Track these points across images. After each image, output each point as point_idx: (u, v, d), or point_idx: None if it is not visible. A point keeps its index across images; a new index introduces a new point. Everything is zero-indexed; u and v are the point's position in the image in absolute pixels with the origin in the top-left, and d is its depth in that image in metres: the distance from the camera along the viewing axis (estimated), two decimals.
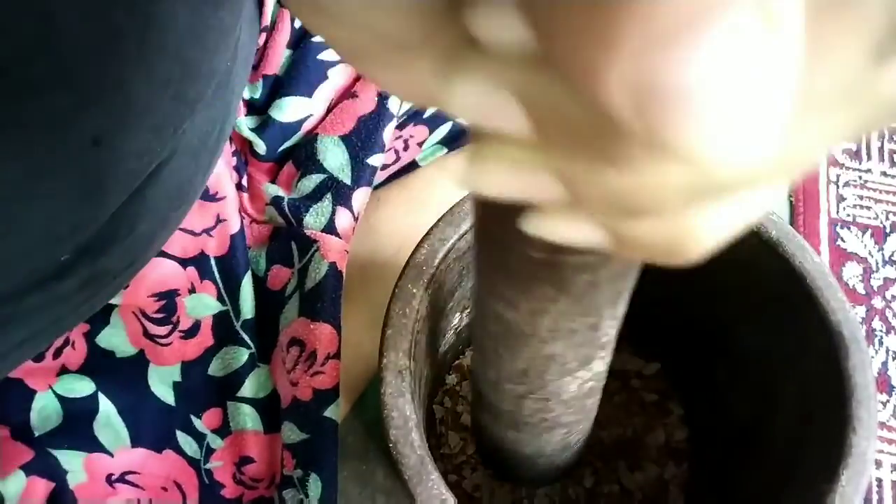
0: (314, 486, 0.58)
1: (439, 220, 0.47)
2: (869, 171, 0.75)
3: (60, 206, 0.42)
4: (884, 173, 0.75)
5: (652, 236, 0.17)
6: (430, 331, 0.49)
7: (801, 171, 0.16)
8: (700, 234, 0.17)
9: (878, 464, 0.65)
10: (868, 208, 0.74)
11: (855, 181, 0.75)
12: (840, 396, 0.42)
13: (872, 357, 0.68)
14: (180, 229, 0.63)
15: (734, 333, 0.53)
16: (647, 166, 0.15)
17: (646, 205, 0.16)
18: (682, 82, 0.12)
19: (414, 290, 0.45)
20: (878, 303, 0.70)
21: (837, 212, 0.74)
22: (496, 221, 0.25)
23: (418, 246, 0.46)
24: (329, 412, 0.59)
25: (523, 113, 0.16)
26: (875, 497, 0.64)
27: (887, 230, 0.73)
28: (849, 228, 0.73)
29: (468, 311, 0.56)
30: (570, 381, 0.37)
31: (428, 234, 0.46)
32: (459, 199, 0.47)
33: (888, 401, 0.67)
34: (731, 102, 0.12)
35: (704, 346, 0.56)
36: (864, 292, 0.71)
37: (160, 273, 0.63)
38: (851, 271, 0.71)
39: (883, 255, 0.72)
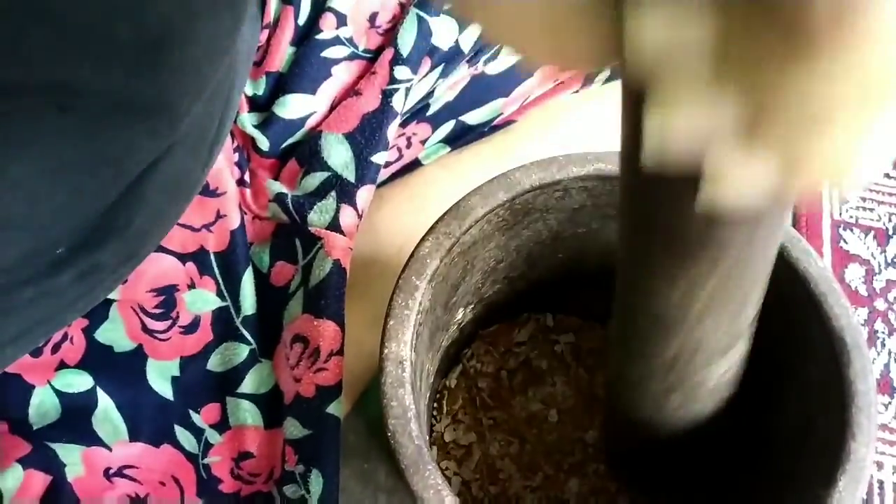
0: (315, 482, 0.58)
1: (444, 214, 0.47)
2: None
3: (54, 199, 0.42)
4: (887, 175, 0.75)
5: (827, 153, 0.19)
6: (433, 325, 0.49)
7: None
8: (867, 153, 0.19)
9: (880, 466, 0.65)
10: (871, 210, 0.74)
11: None
12: (840, 402, 0.42)
13: (874, 359, 0.68)
14: (179, 224, 0.63)
15: None
16: (832, 68, 0.17)
17: (827, 110, 0.18)
18: None
19: (417, 283, 0.45)
20: (880, 305, 0.70)
21: (840, 213, 0.73)
22: (661, 188, 0.27)
23: (423, 239, 0.46)
24: (332, 409, 0.59)
25: (710, 46, 0.18)
26: (877, 500, 0.64)
27: (890, 232, 0.73)
28: (851, 230, 0.73)
29: (472, 307, 0.56)
30: (714, 368, 0.39)
31: (433, 227, 0.47)
32: (463, 196, 0.47)
33: (890, 402, 0.67)
34: None
35: None
36: (866, 294, 0.70)
37: (159, 268, 0.63)
38: (854, 273, 0.71)
39: (885, 257, 0.72)
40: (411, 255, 0.46)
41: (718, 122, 0.19)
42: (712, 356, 0.37)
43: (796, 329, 0.46)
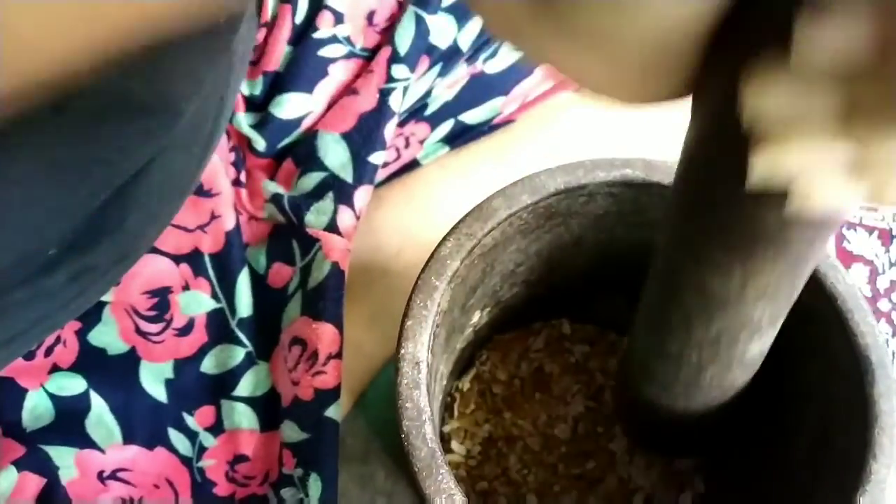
0: (314, 485, 0.57)
1: (466, 215, 0.46)
2: None
3: (47, 199, 0.42)
4: None
5: None
6: (449, 326, 0.49)
7: None
8: None
9: None
10: (875, 210, 0.74)
11: None
12: (863, 421, 0.42)
13: None
14: (173, 225, 0.62)
15: None
16: None
17: None
18: None
19: (436, 283, 0.45)
20: (884, 305, 0.70)
21: None
22: (737, 197, 0.27)
23: (444, 239, 0.46)
24: (330, 412, 0.59)
25: (832, 112, 0.20)
26: None
27: (894, 232, 0.73)
28: (855, 230, 0.73)
29: (488, 309, 0.55)
30: (756, 343, 0.38)
31: (454, 227, 0.46)
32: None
33: None
34: None
35: None
36: (870, 294, 0.71)
37: (153, 270, 0.63)
38: (858, 273, 0.71)
39: (889, 257, 0.72)
40: (431, 256, 0.45)
41: (828, 163, 0.21)
42: (756, 333, 0.37)
43: (820, 344, 0.46)
